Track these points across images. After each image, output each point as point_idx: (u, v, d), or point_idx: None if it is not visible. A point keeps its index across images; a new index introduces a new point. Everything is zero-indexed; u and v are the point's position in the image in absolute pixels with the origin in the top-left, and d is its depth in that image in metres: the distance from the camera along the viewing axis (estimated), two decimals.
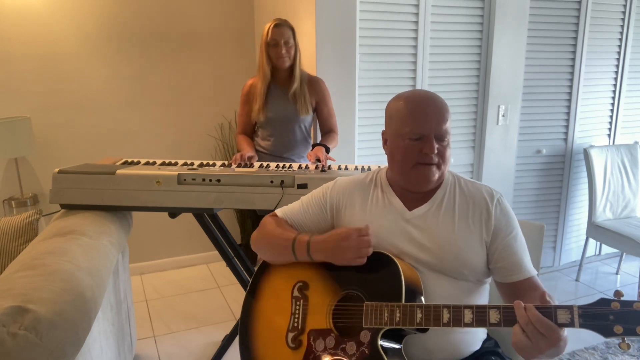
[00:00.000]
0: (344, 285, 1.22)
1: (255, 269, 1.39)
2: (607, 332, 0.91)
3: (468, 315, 1.03)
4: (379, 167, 1.40)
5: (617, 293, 0.94)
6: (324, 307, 1.22)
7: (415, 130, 1.20)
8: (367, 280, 1.18)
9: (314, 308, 1.23)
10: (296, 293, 1.28)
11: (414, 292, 1.14)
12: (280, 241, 1.29)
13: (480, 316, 1.02)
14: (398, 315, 1.09)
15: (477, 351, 1.24)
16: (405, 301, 1.11)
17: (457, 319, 1.04)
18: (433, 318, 1.06)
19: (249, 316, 1.34)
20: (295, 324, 1.25)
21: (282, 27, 2.21)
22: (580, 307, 0.94)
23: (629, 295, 3.03)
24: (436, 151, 1.19)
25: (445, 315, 1.05)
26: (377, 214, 1.28)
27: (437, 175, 1.22)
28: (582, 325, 0.93)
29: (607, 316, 0.91)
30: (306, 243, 1.24)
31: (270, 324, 1.29)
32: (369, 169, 2.02)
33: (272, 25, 2.21)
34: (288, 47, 2.22)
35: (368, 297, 1.16)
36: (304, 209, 1.37)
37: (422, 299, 1.16)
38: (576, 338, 2.56)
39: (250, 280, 1.37)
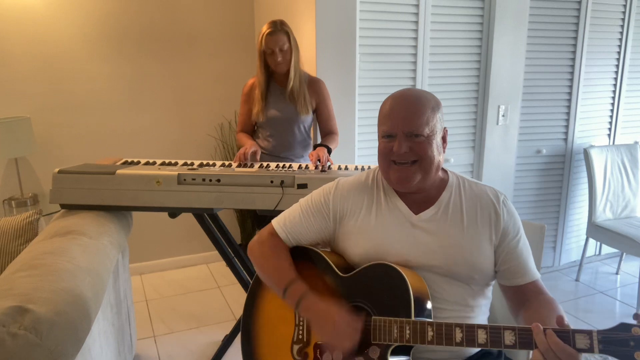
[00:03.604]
0: (350, 298, 1.18)
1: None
2: (627, 358, 0.89)
3: (482, 336, 1.00)
4: (377, 166, 1.35)
5: (638, 316, 0.91)
6: None
7: (385, 129, 1.18)
8: (374, 294, 1.15)
9: None
10: None
11: (421, 304, 1.11)
12: (274, 278, 1.24)
13: (494, 337, 0.99)
14: (408, 332, 1.06)
15: (479, 351, 1.23)
16: (414, 314, 1.08)
17: (470, 340, 1.01)
18: (445, 337, 1.02)
19: (251, 324, 1.31)
20: (300, 336, 1.22)
21: (276, 34, 2.17)
22: (599, 332, 0.92)
23: (629, 295, 3.03)
24: (405, 149, 1.15)
25: (458, 335, 1.01)
26: (382, 220, 1.23)
27: (418, 175, 1.17)
28: (601, 351, 0.90)
29: (627, 342, 0.89)
30: (299, 297, 1.18)
31: (274, 335, 1.26)
32: (369, 168, 2.02)
33: (266, 33, 2.18)
34: (284, 52, 2.21)
35: (375, 311, 1.13)
36: (304, 218, 1.29)
37: (430, 307, 1.13)
38: None
39: (250, 286, 1.34)
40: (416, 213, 1.22)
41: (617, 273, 3.37)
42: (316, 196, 1.32)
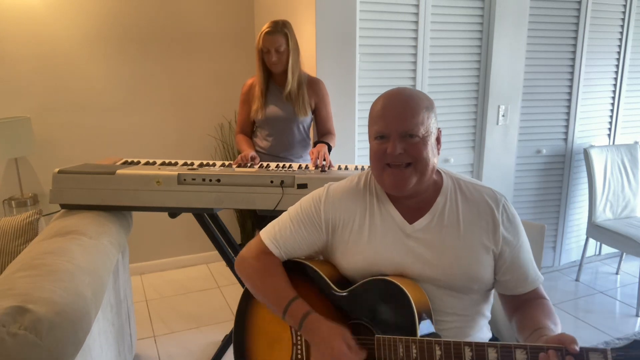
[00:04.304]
0: (350, 316, 1.13)
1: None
2: None
3: (492, 355, 0.95)
4: (369, 167, 1.27)
5: None
6: None
7: (377, 129, 1.14)
8: (375, 311, 1.10)
9: None
10: None
11: (425, 319, 1.07)
12: (271, 298, 1.17)
13: (505, 356, 0.94)
14: (415, 351, 1.01)
15: None
16: (419, 332, 1.03)
17: (480, 358, 0.96)
18: (454, 356, 0.97)
19: (244, 343, 1.26)
20: (299, 356, 1.17)
21: (274, 35, 2.18)
22: (613, 350, 0.89)
23: (629, 295, 3.03)
24: (400, 151, 1.09)
25: (468, 354, 0.96)
26: (377, 231, 1.17)
27: (414, 178, 1.11)
28: None
29: None
30: (301, 317, 1.11)
31: (270, 355, 1.22)
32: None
33: (264, 32, 2.20)
34: (279, 53, 2.22)
35: (377, 329, 1.08)
36: (295, 230, 1.21)
37: (433, 322, 1.09)
38: (576, 338, 2.56)
39: (239, 303, 1.28)
40: (410, 222, 1.16)
41: (617, 273, 3.37)
42: (306, 205, 1.24)
